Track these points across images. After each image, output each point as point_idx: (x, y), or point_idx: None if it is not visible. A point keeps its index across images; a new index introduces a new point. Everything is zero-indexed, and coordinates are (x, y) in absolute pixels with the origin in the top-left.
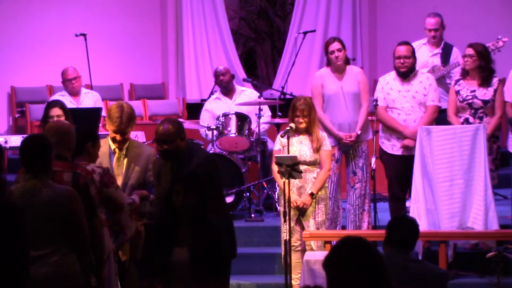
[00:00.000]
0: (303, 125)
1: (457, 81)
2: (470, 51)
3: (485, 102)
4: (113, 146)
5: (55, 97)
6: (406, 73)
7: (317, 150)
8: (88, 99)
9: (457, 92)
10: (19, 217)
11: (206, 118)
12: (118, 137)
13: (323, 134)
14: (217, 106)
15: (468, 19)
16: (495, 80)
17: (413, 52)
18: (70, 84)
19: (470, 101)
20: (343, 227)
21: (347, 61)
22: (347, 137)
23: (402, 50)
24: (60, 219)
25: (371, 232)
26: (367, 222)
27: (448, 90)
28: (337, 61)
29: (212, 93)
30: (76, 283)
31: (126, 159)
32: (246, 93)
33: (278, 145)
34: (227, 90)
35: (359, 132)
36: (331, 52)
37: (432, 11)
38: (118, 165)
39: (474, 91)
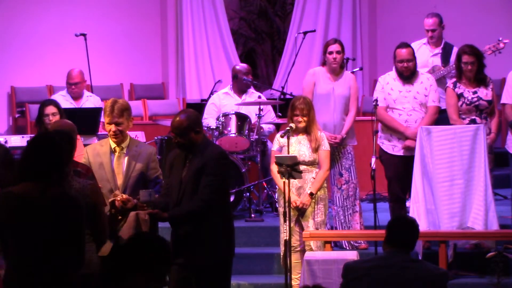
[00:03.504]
0: (302, 124)
1: (454, 83)
2: (471, 58)
3: (489, 102)
4: (113, 145)
5: (56, 96)
6: (409, 76)
7: (315, 150)
8: (89, 103)
9: (460, 95)
10: (80, 206)
11: (212, 112)
12: (112, 127)
13: (321, 134)
14: (226, 102)
15: (468, 19)
16: (488, 79)
17: (414, 54)
18: (70, 88)
19: (476, 103)
20: (332, 228)
21: (342, 65)
22: (332, 138)
23: (404, 53)
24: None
25: (371, 232)
26: (359, 223)
27: None
28: (333, 62)
29: (212, 93)
30: (94, 270)
31: (126, 158)
32: (254, 96)
33: (276, 145)
34: (243, 90)
35: (344, 136)
36: (329, 53)
37: (431, 11)
38: (118, 164)
39: (476, 92)
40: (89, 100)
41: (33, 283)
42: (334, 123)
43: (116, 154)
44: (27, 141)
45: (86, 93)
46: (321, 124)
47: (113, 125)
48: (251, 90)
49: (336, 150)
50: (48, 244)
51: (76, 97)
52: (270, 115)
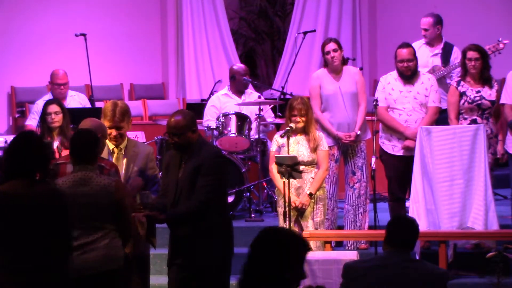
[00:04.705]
0: (300, 125)
1: (458, 82)
2: (475, 54)
3: (492, 102)
4: (111, 146)
5: (40, 101)
6: (410, 76)
7: (314, 150)
8: (75, 101)
9: (463, 94)
10: (66, 202)
11: (213, 114)
12: (113, 132)
13: (320, 134)
14: (227, 104)
15: (468, 19)
16: (493, 80)
17: (414, 54)
18: (58, 88)
19: (478, 102)
20: (340, 227)
21: (344, 62)
22: (346, 137)
23: (405, 53)
24: (109, 207)
25: (371, 232)
26: (367, 222)
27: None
28: (333, 61)
29: (212, 93)
30: (120, 265)
31: (125, 159)
32: (253, 96)
33: (275, 145)
34: (241, 91)
35: (358, 132)
36: (327, 53)
37: (431, 11)
38: (117, 165)
39: (479, 92)
40: (74, 99)
41: (22, 278)
42: (347, 121)
43: (115, 155)
44: (10, 141)
45: (70, 93)
46: (335, 125)
47: (114, 130)
48: (250, 90)
49: (350, 148)
50: (36, 239)
51: (62, 98)
52: (269, 114)
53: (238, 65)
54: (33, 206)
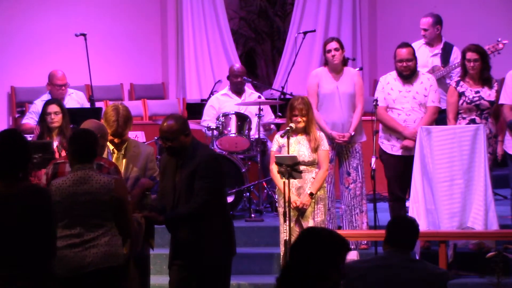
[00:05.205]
0: (301, 125)
1: (457, 82)
2: (474, 55)
3: (491, 103)
4: (111, 146)
5: (38, 101)
6: (409, 76)
7: (315, 150)
8: (72, 100)
9: (461, 94)
10: (49, 201)
11: (211, 115)
12: (116, 140)
13: (320, 134)
14: (226, 104)
15: (468, 19)
16: (494, 81)
17: (414, 54)
18: (59, 89)
19: (477, 102)
20: (339, 227)
21: (344, 63)
22: (340, 137)
23: (404, 53)
24: (109, 204)
25: (371, 232)
26: (365, 223)
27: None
28: (333, 60)
29: (212, 93)
30: (120, 263)
31: (124, 160)
32: (253, 96)
33: (275, 145)
34: (237, 92)
35: (352, 133)
36: (328, 51)
37: (431, 11)
38: (117, 165)
39: (478, 92)
40: (72, 98)
41: (5, 276)
42: (342, 122)
43: (115, 155)
44: None
45: (68, 91)
46: (329, 124)
47: (117, 138)
48: (250, 90)
49: (345, 149)
50: (20, 238)
51: (61, 98)
52: (269, 115)
53: (236, 66)
54: (16, 206)
